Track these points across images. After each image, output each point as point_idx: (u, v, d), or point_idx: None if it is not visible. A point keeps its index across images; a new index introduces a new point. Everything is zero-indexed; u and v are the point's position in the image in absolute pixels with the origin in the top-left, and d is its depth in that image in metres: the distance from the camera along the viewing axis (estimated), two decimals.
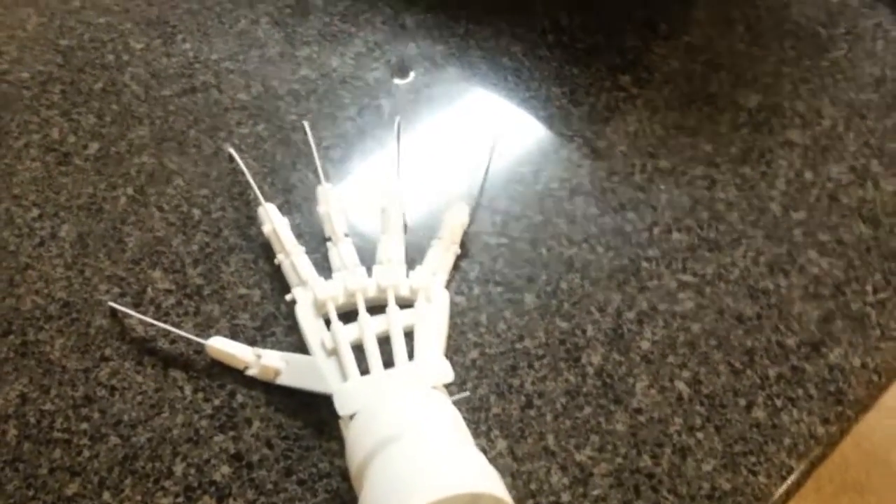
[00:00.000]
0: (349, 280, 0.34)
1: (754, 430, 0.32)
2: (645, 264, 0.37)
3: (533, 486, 0.31)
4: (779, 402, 0.33)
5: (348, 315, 0.33)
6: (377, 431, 0.28)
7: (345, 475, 0.31)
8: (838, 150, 0.41)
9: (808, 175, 0.40)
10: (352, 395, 0.30)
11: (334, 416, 0.32)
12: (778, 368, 0.34)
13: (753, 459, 0.31)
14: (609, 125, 0.41)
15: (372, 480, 0.27)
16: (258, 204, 0.37)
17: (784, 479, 0.31)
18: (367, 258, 0.36)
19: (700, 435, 0.32)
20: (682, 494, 0.30)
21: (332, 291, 0.34)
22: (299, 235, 0.37)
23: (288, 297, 0.35)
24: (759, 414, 0.32)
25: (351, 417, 0.30)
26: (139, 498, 0.30)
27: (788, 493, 0.31)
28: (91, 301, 0.36)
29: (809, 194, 0.39)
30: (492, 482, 0.26)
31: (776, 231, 0.38)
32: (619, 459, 0.31)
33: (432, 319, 0.33)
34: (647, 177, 0.39)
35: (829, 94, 0.43)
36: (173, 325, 0.35)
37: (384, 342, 0.32)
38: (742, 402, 0.33)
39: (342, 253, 0.36)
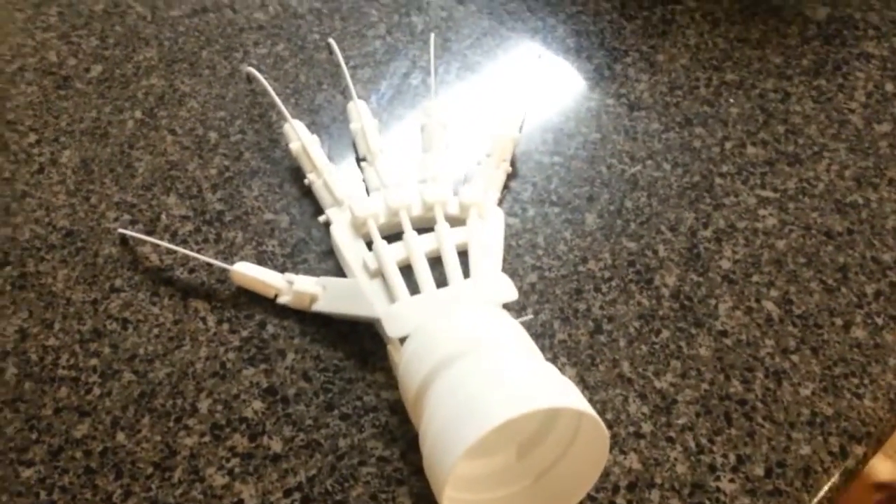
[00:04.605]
0: (391, 196, 0.30)
1: (855, 350, 0.28)
2: (719, 180, 0.33)
3: (609, 416, 0.27)
4: (879, 321, 0.29)
5: (389, 239, 0.29)
6: (437, 351, 0.24)
7: (393, 408, 0.27)
8: None
9: (889, 87, 0.36)
10: (403, 315, 0.26)
11: (379, 346, 0.28)
12: (875, 285, 0.30)
13: (856, 381, 0.28)
14: (667, 39, 0.37)
15: (435, 403, 0.23)
16: (282, 124, 0.34)
17: (893, 401, 0.27)
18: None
19: (795, 357, 0.28)
20: (780, 421, 0.27)
21: (373, 208, 0.30)
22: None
23: (321, 219, 0.31)
24: (858, 333, 0.29)
25: (401, 341, 0.26)
26: (159, 438, 0.26)
27: None
28: (98, 229, 0.32)
29: (892, 105, 0.35)
30: (578, 397, 0.22)
31: (860, 144, 0.34)
32: (705, 385, 0.28)
33: (488, 236, 0.29)
34: (713, 90, 0.36)
35: None
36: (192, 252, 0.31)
37: (433, 265, 0.28)
38: (839, 321, 0.29)
39: (380, 170, 0.32)
